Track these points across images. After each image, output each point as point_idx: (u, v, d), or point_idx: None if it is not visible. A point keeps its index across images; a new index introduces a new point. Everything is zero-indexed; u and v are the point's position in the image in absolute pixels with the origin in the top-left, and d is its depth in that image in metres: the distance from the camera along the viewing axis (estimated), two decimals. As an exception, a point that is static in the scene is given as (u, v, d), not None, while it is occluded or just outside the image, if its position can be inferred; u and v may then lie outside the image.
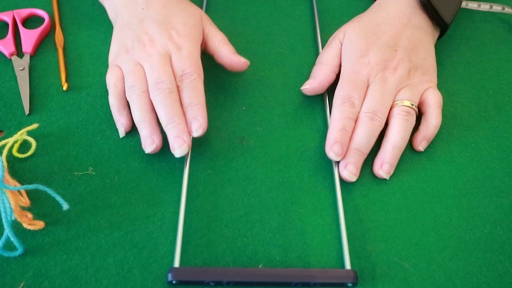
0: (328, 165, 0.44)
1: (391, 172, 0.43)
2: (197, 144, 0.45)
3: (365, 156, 0.43)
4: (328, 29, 0.55)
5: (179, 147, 0.41)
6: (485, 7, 0.57)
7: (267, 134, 0.46)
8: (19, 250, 0.38)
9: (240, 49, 0.53)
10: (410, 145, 0.45)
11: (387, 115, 0.44)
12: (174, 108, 0.42)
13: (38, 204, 0.40)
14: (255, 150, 0.45)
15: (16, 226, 0.38)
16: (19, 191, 0.39)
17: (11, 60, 0.51)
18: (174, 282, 0.36)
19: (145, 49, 0.45)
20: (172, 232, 0.40)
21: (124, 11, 0.49)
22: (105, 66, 0.50)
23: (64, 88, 0.48)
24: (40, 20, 0.55)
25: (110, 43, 0.48)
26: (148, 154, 0.44)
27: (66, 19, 0.55)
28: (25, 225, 0.38)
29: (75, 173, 0.43)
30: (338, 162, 0.43)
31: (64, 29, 0.54)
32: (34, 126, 0.44)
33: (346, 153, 0.43)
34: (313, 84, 0.48)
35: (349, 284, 0.36)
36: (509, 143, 0.47)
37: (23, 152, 0.43)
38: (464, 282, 0.38)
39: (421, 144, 0.45)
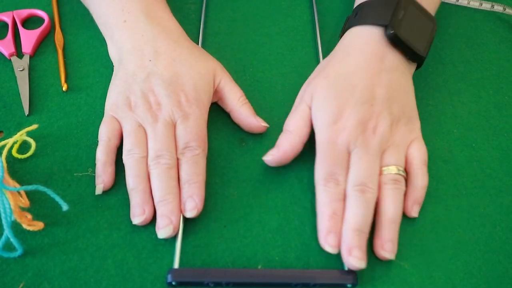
0: (327, 165, 0.44)
1: (395, 250, 0.39)
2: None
3: (367, 234, 0.38)
4: (328, 29, 0.55)
5: (163, 227, 0.38)
6: (486, 6, 0.57)
7: (266, 136, 0.46)
8: (19, 251, 0.38)
9: (239, 50, 0.53)
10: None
11: (378, 183, 0.40)
12: (169, 185, 0.39)
13: (38, 205, 0.41)
14: (254, 152, 0.45)
15: (16, 227, 0.38)
16: (18, 192, 0.39)
17: (10, 60, 0.51)
18: (173, 283, 0.36)
19: (151, 111, 0.42)
20: (172, 233, 0.40)
21: (129, 58, 0.45)
22: (105, 66, 0.50)
23: (64, 88, 0.49)
24: (40, 20, 0.55)
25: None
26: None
27: (66, 20, 0.55)
28: (24, 226, 0.38)
29: (75, 174, 0.43)
30: None
31: (64, 30, 0.54)
32: (34, 126, 0.44)
33: (345, 236, 0.38)
34: (275, 155, 0.42)
35: (349, 285, 0.36)
36: (509, 143, 0.46)
37: (22, 153, 0.43)
38: (464, 283, 0.38)
39: (413, 210, 0.41)
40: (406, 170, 0.42)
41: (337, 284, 0.36)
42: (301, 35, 0.55)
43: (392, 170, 0.40)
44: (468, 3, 0.56)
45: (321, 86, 0.43)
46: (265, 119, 0.47)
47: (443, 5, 0.58)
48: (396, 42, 0.44)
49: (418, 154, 0.42)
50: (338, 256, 0.39)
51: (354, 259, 0.37)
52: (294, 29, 0.56)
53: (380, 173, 0.40)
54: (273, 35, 0.55)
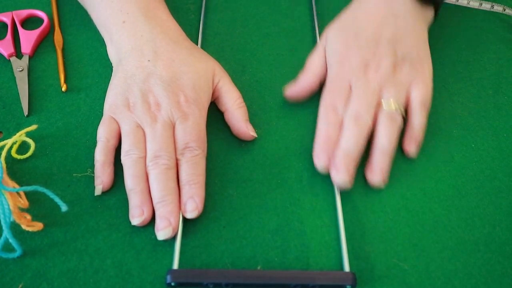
0: (327, 166, 0.44)
1: (385, 179, 0.42)
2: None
3: (356, 160, 0.41)
4: (327, 29, 0.55)
5: (162, 229, 0.38)
6: (486, 6, 0.57)
7: (265, 136, 0.46)
8: (18, 252, 0.38)
9: (239, 50, 0.53)
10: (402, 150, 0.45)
11: (373, 115, 0.43)
12: (168, 186, 0.39)
13: (37, 206, 0.40)
14: (254, 152, 0.45)
15: (15, 228, 0.38)
16: (17, 193, 0.39)
17: (10, 61, 0.51)
18: (173, 284, 0.36)
19: (150, 112, 0.42)
20: (171, 234, 0.40)
21: (129, 59, 0.45)
22: (104, 67, 0.50)
23: (63, 89, 0.49)
24: (39, 21, 0.55)
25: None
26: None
27: (65, 20, 0.55)
28: (23, 227, 0.38)
29: (74, 174, 0.43)
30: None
31: (63, 30, 0.54)
32: (33, 127, 0.44)
33: (335, 157, 0.41)
34: (292, 89, 0.48)
35: (348, 286, 0.36)
36: (509, 143, 0.46)
37: (22, 153, 0.43)
38: (463, 283, 0.37)
39: (410, 147, 0.44)
40: (406, 110, 0.45)
41: (337, 285, 0.36)
42: (300, 36, 0.55)
43: (389, 104, 0.43)
44: (468, 3, 0.56)
45: (333, 29, 0.49)
46: (264, 120, 0.47)
47: (443, 5, 0.58)
48: None
49: (418, 94, 0.45)
50: (338, 257, 0.39)
51: (340, 178, 0.40)
52: (294, 29, 0.56)
53: (379, 106, 0.43)
54: (272, 36, 0.55)
